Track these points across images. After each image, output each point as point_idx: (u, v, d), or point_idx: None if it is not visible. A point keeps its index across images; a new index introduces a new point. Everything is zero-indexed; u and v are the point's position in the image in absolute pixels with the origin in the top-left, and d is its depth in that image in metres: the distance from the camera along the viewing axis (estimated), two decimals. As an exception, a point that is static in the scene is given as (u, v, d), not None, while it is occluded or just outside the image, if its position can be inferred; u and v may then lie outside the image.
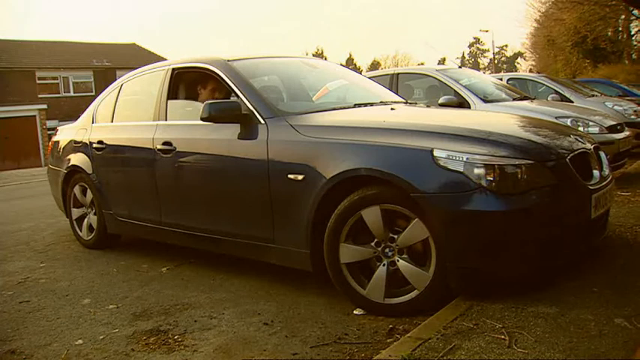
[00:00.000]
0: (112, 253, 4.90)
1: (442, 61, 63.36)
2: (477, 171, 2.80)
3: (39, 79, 30.22)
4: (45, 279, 4.38)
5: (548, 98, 8.28)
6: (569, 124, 5.91)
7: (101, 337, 3.15)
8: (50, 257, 5.08)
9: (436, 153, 2.88)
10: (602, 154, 3.50)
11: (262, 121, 3.53)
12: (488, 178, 2.78)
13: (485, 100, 6.83)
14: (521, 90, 8.63)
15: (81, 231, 5.28)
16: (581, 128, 5.95)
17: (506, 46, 73.25)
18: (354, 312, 3.16)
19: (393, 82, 7.55)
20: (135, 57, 33.00)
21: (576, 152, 3.15)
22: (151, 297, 3.72)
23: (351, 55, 72.41)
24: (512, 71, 49.50)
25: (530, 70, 35.17)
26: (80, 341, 3.11)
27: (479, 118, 4.15)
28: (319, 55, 62.08)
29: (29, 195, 10.64)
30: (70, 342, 3.11)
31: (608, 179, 3.35)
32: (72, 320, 3.44)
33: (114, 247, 5.11)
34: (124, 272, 4.35)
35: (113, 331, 3.22)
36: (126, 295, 3.81)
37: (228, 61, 4.00)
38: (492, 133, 3.11)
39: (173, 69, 4.30)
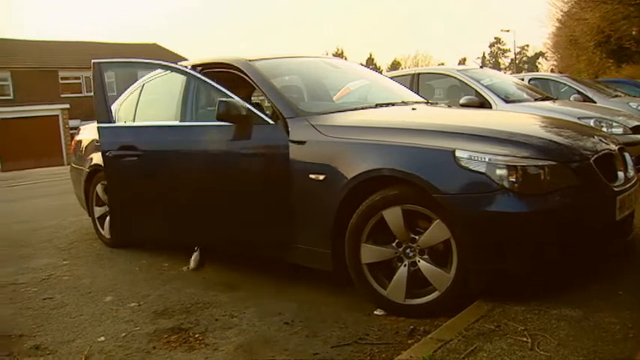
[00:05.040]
0: (134, 252, 4.93)
1: (462, 62, 63.04)
2: (499, 172, 2.78)
3: (62, 79, 30.59)
4: (68, 276, 4.43)
5: (571, 98, 8.19)
6: (592, 124, 5.84)
7: (123, 334, 3.18)
8: (73, 255, 5.14)
9: (458, 153, 2.87)
10: (627, 156, 3.45)
11: (284, 121, 3.53)
12: (511, 179, 2.77)
13: (507, 101, 6.78)
14: (542, 90, 8.56)
15: (103, 229, 5.33)
16: (604, 129, 5.88)
17: (527, 46, 72.60)
18: (375, 312, 3.15)
19: (414, 82, 7.52)
20: (156, 57, 33.15)
21: (600, 153, 3.11)
22: (173, 295, 3.74)
23: (371, 55, 72.23)
24: (533, 71, 49.07)
25: (552, 71, 34.80)
26: (102, 338, 3.15)
27: (501, 118, 4.13)
28: (339, 55, 61.99)
29: (52, 193, 10.76)
30: (92, 339, 3.15)
31: (633, 181, 3.31)
32: (94, 317, 3.48)
33: (135, 246, 5.15)
34: (146, 271, 4.38)
35: (135, 328, 3.25)
36: (147, 293, 3.84)
37: (250, 60, 4.01)
38: (514, 133, 3.09)
39: (194, 67, 4.31)
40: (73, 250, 5.33)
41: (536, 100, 7.10)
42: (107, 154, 3.72)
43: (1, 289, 4.20)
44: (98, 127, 3.82)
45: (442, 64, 49.51)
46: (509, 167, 2.78)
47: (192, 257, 4.25)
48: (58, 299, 3.88)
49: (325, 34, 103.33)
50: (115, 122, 4.04)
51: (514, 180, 2.77)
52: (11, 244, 5.84)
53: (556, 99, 7.74)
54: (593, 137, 3.37)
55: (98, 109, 3.90)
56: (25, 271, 4.67)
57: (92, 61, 4.02)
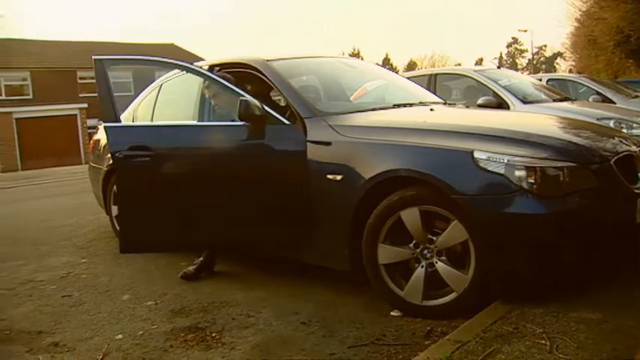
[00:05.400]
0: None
1: (479, 62, 62.68)
2: (517, 173, 2.77)
3: (80, 78, 30.85)
4: (86, 274, 4.48)
5: (590, 99, 8.11)
6: (611, 125, 5.78)
7: (140, 332, 3.20)
8: (91, 253, 5.19)
9: (476, 154, 2.86)
10: (648, 157, 3.41)
11: (301, 121, 3.53)
12: (530, 181, 2.75)
13: (525, 101, 6.73)
14: (561, 91, 8.48)
15: (120, 228, 5.36)
16: (624, 130, 5.81)
17: (545, 46, 71.98)
18: (392, 313, 3.15)
19: (431, 82, 7.49)
20: (173, 57, 33.37)
21: (621, 155, 3.08)
22: (189, 294, 3.76)
23: (387, 56, 72.05)
24: (551, 72, 48.71)
25: (570, 71, 34.45)
26: (120, 336, 3.17)
27: (519, 119, 4.10)
28: (355, 55, 61.92)
29: (70, 192, 10.85)
30: (110, 336, 3.18)
31: (655, 183, 3.27)
32: (112, 315, 3.51)
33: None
34: (163, 270, 4.41)
35: (152, 327, 3.27)
36: (164, 292, 3.86)
37: (268, 60, 4.01)
38: (533, 134, 3.07)
39: (212, 67, 4.32)
40: (91, 249, 5.38)
41: (554, 100, 7.04)
42: (117, 154, 3.67)
43: (20, 286, 4.26)
44: (105, 127, 3.76)
45: (459, 64, 49.34)
46: (528, 168, 2.77)
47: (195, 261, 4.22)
48: (77, 297, 3.92)
49: (341, 34, 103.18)
50: (121, 121, 3.97)
51: (533, 181, 2.75)
52: (31, 241, 5.91)
53: (575, 100, 7.68)
54: (613, 138, 3.34)
55: (103, 107, 3.79)
56: (44, 269, 4.72)
57: (93, 57, 3.85)
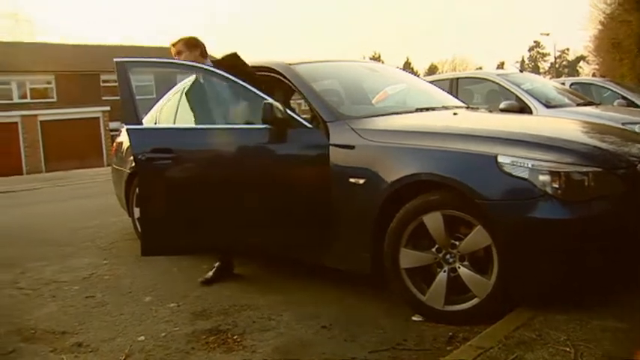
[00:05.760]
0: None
1: (501, 65, 62.28)
2: (542, 178, 2.75)
3: (103, 81, 31.18)
4: (109, 276, 4.52)
5: (614, 103, 8.03)
6: (637, 130, 5.70)
7: (162, 334, 3.22)
8: (113, 255, 5.24)
9: (500, 159, 2.84)
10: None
11: (324, 125, 3.54)
12: (554, 185, 2.73)
13: (548, 106, 6.69)
14: (584, 95, 8.39)
15: (142, 230, 5.39)
16: (650, 135, 5.73)
17: (567, 49, 71.23)
18: (413, 318, 3.13)
19: (453, 86, 7.47)
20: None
21: None
22: (211, 297, 3.77)
23: (408, 59, 71.84)
24: (573, 75, 48.18)
25: (594, 75, 34.10)
26: (142, 337, 3.19)
27: (543, 123, 4.08)
28: (376, 59, 61.89)
29: (93, 194, 10.97)
30: (132, 338, 3.20)
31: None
32: (134, 317, 3.53)
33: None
34: (185, 272, 4.43)
35: (174, 329, 3.29)
36: (186, 294, 3.88)
37: (291, 64, 4.02)
38: (557, 139, 3.05)
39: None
40: (113, 250, 5.43)
41: (578, 105, 6.98)
42: (139, 156, 3.70)
43: (44, 287, 4.31)
44: (127, 130, 3.78)
45: (480, 68, 49.00)
46: (552, 173, 2.75)
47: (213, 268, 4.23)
48: (99, 298, 3.96)
49: (362, 38, 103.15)
50: (144, 124, 3.99)
51: (557, 186, 2.73)
52: (54, 243, 5.98)
53: (599, 104, 7.59)
54: (639, 143, 3.29)
55: (125, 110, 3.82)
56: (68, 270, 4.77)
57: (114, 60, 3.88)
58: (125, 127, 5.03)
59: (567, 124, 4.02)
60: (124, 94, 3.81)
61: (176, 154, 3.67)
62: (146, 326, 3.36)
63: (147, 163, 3.68)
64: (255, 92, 3.71)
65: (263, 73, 4.14)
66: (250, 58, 4.18)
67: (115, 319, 3.51)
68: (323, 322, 3.20)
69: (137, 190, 5.18)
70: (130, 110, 3.81)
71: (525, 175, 2.78)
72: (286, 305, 3.52)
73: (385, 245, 3.15)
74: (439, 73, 56.31)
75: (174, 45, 4.19)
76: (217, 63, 4.15)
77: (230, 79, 3.86)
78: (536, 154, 2.85)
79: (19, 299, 4.06)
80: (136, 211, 5.42)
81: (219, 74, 3.92)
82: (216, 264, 4.17)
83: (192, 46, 4.18)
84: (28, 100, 30.02)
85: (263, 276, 4.23)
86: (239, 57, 4.11)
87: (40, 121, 28.27)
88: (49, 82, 30.86)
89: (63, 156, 27.24)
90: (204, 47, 4.23)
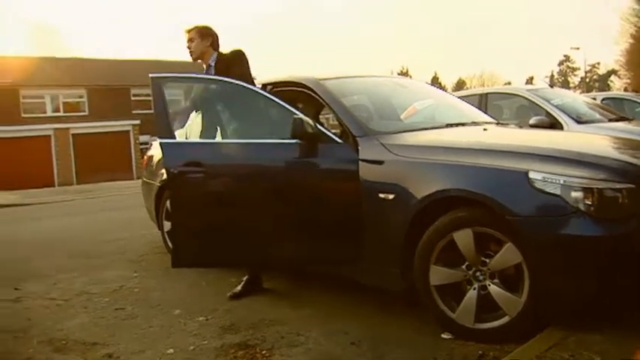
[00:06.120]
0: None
1: (530, 80, 61.71)
2: (574, 194, 2.71)
3: (133, 95, 31.66)
4: (138, 288, 4.57)
5: (648, 119, 7.89)
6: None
7: (191, 347, 3.23)
8: (143, 267, 5.29)
9: (532, 175, 2.81)
10: None
11: (353, 140, 3.54)
12: (587, 202, 2.69)
13: (579, 121, 6.59)
14: (616, 110, 8.26)
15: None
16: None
17: (598, 63, 70.27)
18: (443, 335, 3.10)
19: (482, 101, 7.41)
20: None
21: None
22: (239, 311, 3.79)
23: (436, 74, 71.59)
24: (604, 90, 47.53)
25: (625, 89, 33.60)
26: (171, 350, 3.21)
27: (574, 139, 4.03)
28: (404, 73, 61.81)
29: (123, 207, 11.10)
30: (162, 350, 3.22)
31: None
32: (164, 329, 3.56)
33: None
34: (213, 285, 4.45)
35: (203, 342, 3.30)
36: (215, 307, 3.89)
37: (320, 80, 4.04)
38: (590, 155, 3.01)
39: (264, 86, 4.37)
40: (143, 263, 5.49)
41: (609, 120, 6.87)
42: (172, 170, 3.77)
43: (75, 298, 4.38)
44: (161, 143, 3.86)
45: (508, 83, 48.65)
46: (585, 190, 2.71)
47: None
48: (129, 310, 4.00)
49: (390, 53, 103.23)
50: (176, 138, 4.06)
51: (590, 203, 2.69)
52: (85, 254, 6.07)
53: (632, 119, 7.46)
54: (675, 160, 3.23)
55: (159, 124, 3.91)
56: (98, 282, 4.84)
57: (150, 75, 4.03)
58: (157, 140, 5.09)
59: (599, 140, 3.96)
60: (158, 108, 3.91)
61: (207, 168, 3.71)
62: (175, 339, 3.38)
63: (179, 176, 3.73)
64: (285, 107, 3.74)
65: (292, 88, 4.18)
66: (280, 74, 4.22)
67: (145, 332, 3.55)
68: (352, 339, 3.18)
69: (168, 203, 5.26)
70: (163, 124, 3.89)
71: (557, 191, 2.75)
72: (315, 320, 3.51)
73: (415, 262, 3.14)
74: (467, 88, 56.00)
75: (188, 32, 4.34)
76: (221, 56, 4.30)
77: (261, 94, 3.91)
78: (568, 170, 2.81)
79: (51, 310, 4.13)
80: (166, 225, 5.48)
81: (252, 90, 3.97)
82: (245, 278, 4.18)
83: (205, 35, 4.34)
84: (61, 113, 30.62)
85: (292, 290, 4.23)
86: (243, 55, 4.23)
87: (72, 134, 28.75)
88: (81, 96, 31.46)
89: (93, 168, 27.62)
90: (217, 38, 4.38)
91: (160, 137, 3.88)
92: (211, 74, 4.30)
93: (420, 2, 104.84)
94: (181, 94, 4.49)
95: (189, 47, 4.35)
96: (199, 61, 4.40)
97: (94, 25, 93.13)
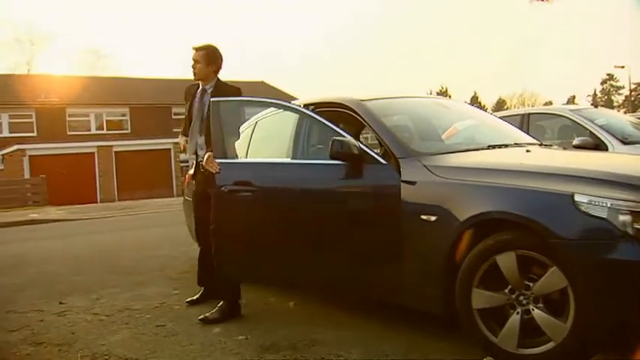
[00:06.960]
0: (241, 285, 5.05)
1: (572, 99, 60.71)
2: (622, 218, 2.66)
3: (174, 114, 32.25)
4: (179, 305, 4.61)
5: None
6: None
7: (231, 366, 3.25)
8: (183, 285, 5.34)
9: (577, 198, 2.76)
10: None
11: (395, 161, 3.53)
12: (636, 226, 2.64)
13: (625, 142, 6.45)
14: (664, 131, 8.06)
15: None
16: None
17: (643, 82, 68.67)
18: (484, 360, 3.05)
19: (524, 122, 7.33)
20: (263, 95, 34.23)
21: None
22: (279, 330, 3.79)
23: (475, 94, 70.93)
24: (650, 110, 46.34)
25: (672, 109, 32.77)
26: (212, 369, 3.23)
27: (620, 161, 3.94)
28: (443, 93, 61.46)
29: (164, 224, 11.26)
30: (202, 368, 3.24)
31: None
32: (204, 347, 3.58)
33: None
34: (252, 304, 4.46)
35: (243, 361, 3.31)
36: (254, 327, 3.91)
37: (362, 100, 4.05)
38: (637, 177, 2.93)
39: (306, 106, 4.38)
40: (183, 280, 5.55)
41: (658, 141, 6.70)
42: (222, 188, 3.95)
43: (118, 313, 4.45)
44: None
45: (549, 102, 47.97)
46: (633, 213, 2.65)
47: None
48: (170, 327, 4.04)
49: (429, 73, 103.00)
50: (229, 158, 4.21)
51: (639, 227, 2.62)
52: (127, 270, 6.18)
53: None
54: None
55: (215, 144, 4.15)
56: (139, 298, 4.91)
57: (210, 100, 4.32)
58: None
59: (647, 162, 3.87)
60: (216, 129, 4.19)
61: (255, 188, 3.88)
62: (215, 357, 3.40)
63: (228, 195, 3.97)
64: (332, 128, 3.78)
65: (333, 109, 4.20)
66: (322, 95, 4.26)
67: (185, 349, 3.57)
68: (391, 361, 3.15)
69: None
70: (219, 145, 4.17)
71: (604, 214, 2.69)
72: (355, 341, 3.48)
73: (457, 285, 3.10)
74: (507, 108, 55.32)
75: (196, 50, 4.53)
76: (220, 86, 4.59)
77: (310, 115, 3.99)
78: (615, 193, 2.75)
79: (94, 324, 4.21)
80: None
81: (303, 112, 4.13)
82: (220, 303, 4.19)
83: (211, 62, 4.55)
84: (104, 131, 31.41)
85: (331, 310, 4.22)
86: (240, 94, 4.60)
87: (115, 152, 29.39)
88: (123, 115, 32.26)
89: (134, 186, 28.13)
90: (221, 64, 4.61)
91: (216, 157, 4.14)
92: (205, 99, 4.54)
93: (456, 20, 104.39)
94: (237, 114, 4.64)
95: (193, 67, 4.55)
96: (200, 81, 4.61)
97: (136, 44, 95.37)
